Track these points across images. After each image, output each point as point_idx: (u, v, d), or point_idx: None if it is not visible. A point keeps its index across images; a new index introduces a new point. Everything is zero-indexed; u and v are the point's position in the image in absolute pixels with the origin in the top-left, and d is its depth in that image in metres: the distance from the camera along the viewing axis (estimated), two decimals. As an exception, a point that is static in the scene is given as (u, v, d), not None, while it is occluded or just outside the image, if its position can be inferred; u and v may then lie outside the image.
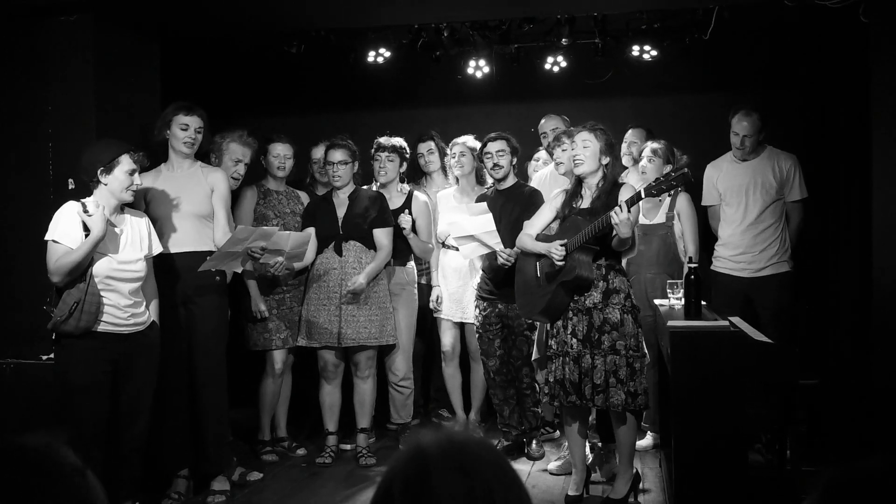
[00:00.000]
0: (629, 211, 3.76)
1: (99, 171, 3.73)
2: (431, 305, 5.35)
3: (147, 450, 3.98)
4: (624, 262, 4.66)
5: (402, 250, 5.15)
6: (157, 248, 3.99)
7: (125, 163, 3.75)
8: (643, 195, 3.82)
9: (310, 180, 5.55)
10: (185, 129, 4.26)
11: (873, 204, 4.39)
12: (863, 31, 4.50)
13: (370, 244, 4.95)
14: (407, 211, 5.12)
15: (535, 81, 6.17)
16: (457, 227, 4.76)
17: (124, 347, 3.80)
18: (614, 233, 3.88)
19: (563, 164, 4.58)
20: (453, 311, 5.35)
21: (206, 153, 4.69)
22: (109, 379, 3.79)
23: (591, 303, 4.01)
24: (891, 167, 4.32)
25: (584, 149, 4.05)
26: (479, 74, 6.07)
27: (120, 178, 3.74)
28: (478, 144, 5.14)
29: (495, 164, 4.83)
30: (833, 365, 5.25)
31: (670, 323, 3.69)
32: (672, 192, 4.36)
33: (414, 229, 5.14)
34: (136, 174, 3.79)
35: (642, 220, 4.94)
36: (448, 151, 5.37)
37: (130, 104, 4.70)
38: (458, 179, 5.35)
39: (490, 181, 5.08)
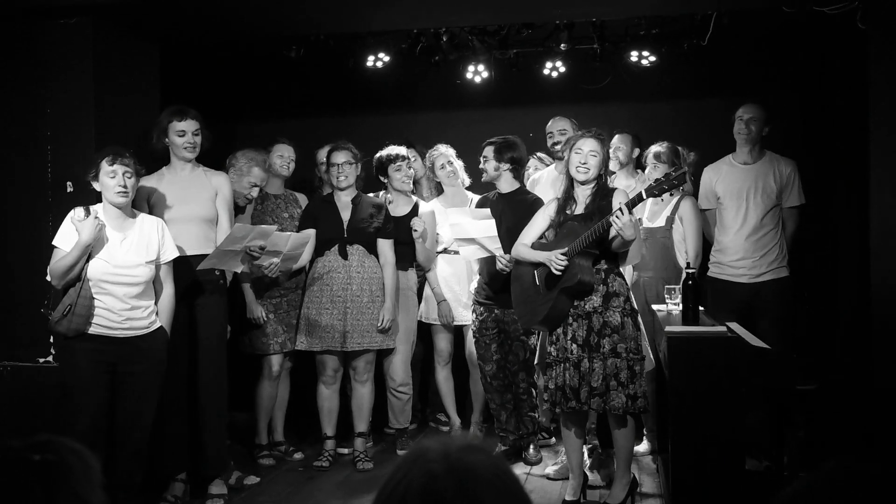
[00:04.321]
0: (631, 213, 3.78)
1: (90, 180, 3.84)
2: (442, 321, 5.32)
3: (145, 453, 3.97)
4: (630, 269, 4.67)
5: (404, 255, 5.14)
6: (171, 254, 3.98)
7: (104, 167, 3.80)
8: (644, 196, 3.84)
9: (317, 182, 5.55)
10: (182, 135, 4.24)
11: (871, 208, 4.40)
12: (861, 37, 4.51)
13: (372, 249, 4.95)
14: (417, 216, 5.15)
15: (534, 86, 6.17)
16: (459, 228, 4.78)
17: (123, 351, 3.81)
18: (612, 235, 3.89)
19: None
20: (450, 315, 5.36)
21: (216, 157, 4.67)
22: (107, 381, 3.81)
23: (591, 307, 4.00)
24: (888, 172, 4.33)
25: (593, 157, 4.06)
26: (477, 79, 6.07)
27: (105, 182, 3.80)
28: (453, 151, 5.38)
29: (483, 168, 4.89)
30: (832, 370, 5.25)
31: (668, 328, 3.68)
32: (673, 191, 4.35)
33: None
34: (121, 177, 3.78)
35: (646, 223, 4.95)
36: (429, 163, 5.42)
37: (129, 107, 4.70)
38: (440, 190, 5.44)
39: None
